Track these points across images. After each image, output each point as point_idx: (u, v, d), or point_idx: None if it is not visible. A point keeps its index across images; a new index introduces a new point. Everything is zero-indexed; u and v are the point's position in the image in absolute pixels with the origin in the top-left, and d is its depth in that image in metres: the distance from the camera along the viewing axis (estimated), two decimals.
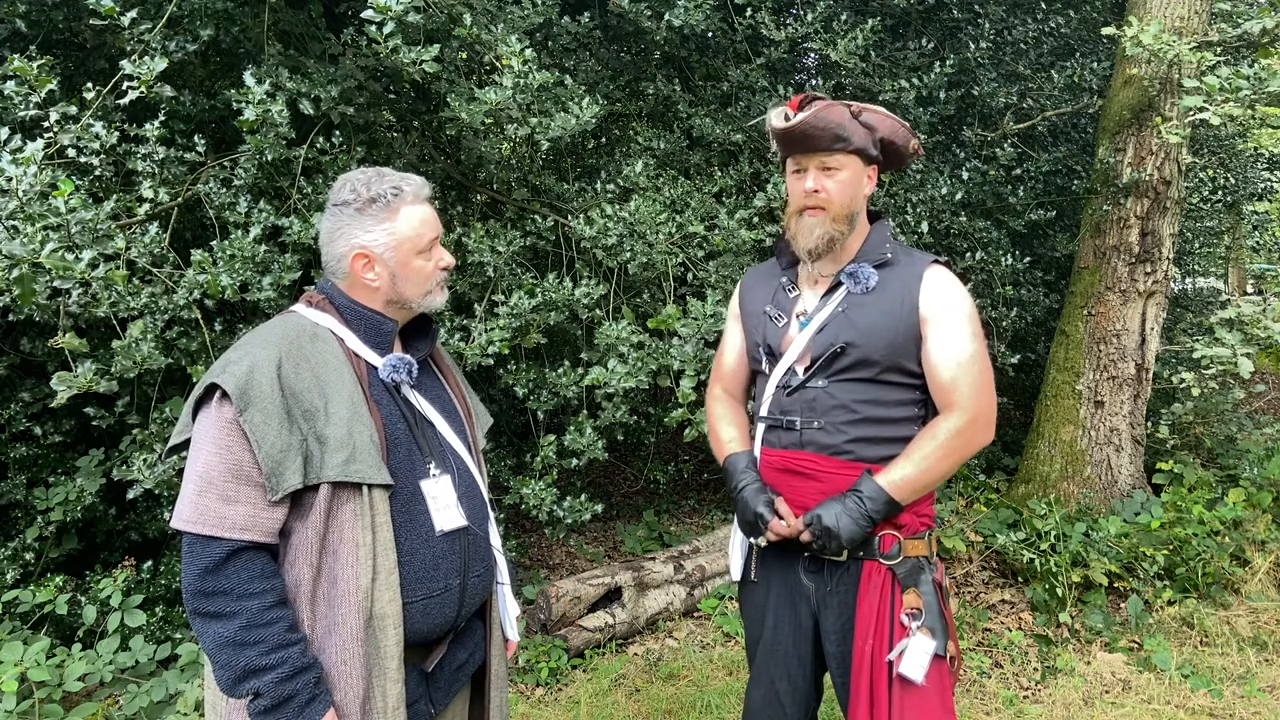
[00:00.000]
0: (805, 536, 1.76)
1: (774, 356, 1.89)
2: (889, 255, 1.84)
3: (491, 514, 1.69)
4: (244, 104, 2.85)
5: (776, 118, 1.79)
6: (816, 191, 1.79)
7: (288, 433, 1.34)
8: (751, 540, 1.91)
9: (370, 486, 1.39)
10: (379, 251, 1.50)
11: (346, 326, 1.52)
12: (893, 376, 1.78)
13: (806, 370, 1.82)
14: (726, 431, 2.02)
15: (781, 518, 1.80)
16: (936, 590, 1.75)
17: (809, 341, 1.82)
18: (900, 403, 1.80)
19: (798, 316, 1.88)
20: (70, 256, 2.52)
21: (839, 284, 1.84)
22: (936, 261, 1.83)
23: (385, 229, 1.49)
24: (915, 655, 1.68)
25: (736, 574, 2.00)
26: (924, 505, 1.82)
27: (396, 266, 1.51)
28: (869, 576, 1.77)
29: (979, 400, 1.74)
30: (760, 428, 1.92)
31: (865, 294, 1.80)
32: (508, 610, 1.72)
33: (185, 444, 1.40)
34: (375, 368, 1.51)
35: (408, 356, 1.54)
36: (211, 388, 1.36)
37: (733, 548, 2.01)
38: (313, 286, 1.61)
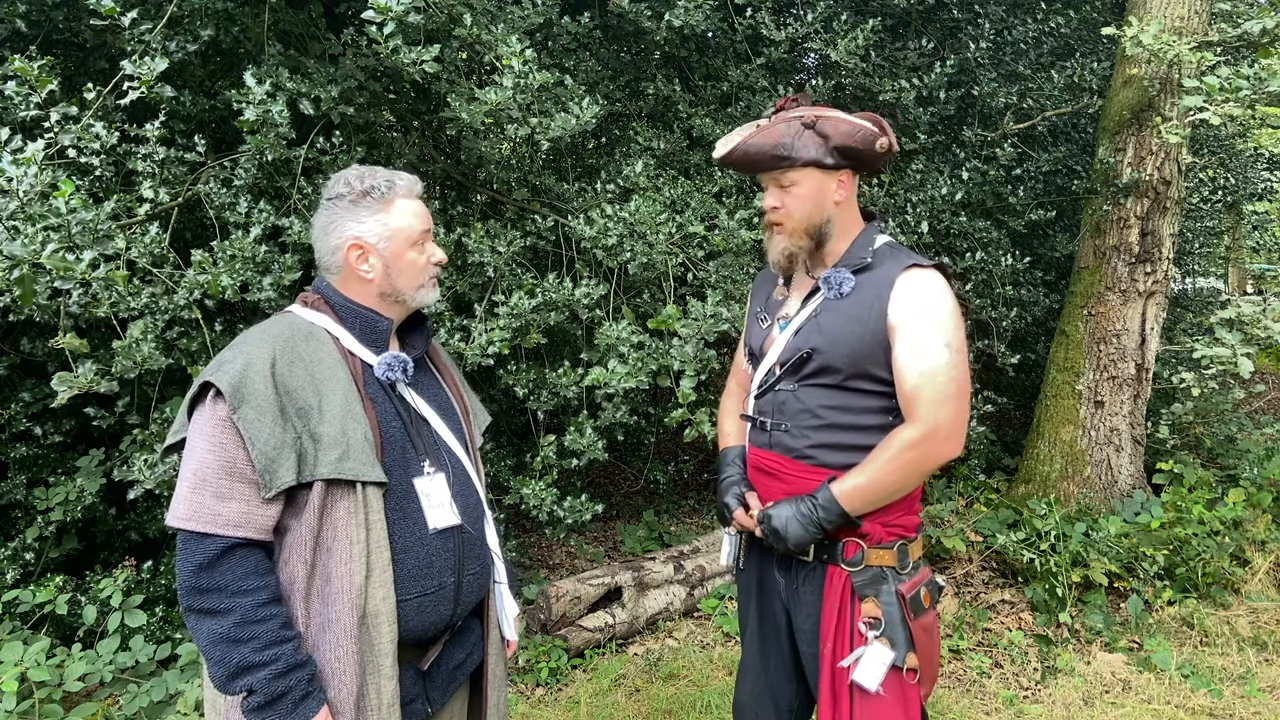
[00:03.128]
0: (758, 533, 1.80)
1: (756, 358, 1.94)
2: (869, 260, 1.81)
3: (489, 513, 1.69)
4: (244, 104, 2.85)
5: (719, 147, 1.83)
6: (776, 208, 1.81)
7: (281, 430, 1.34)
8: (726, 530, 1.99)
9: (364, 484, 1.39)
10: (373, 242, 1.51)
11: (341, 325, 1.52)
12: (860, 383, 1.76)
13: (779, 373, 1.85)
14: (727, 425, 2.08)
15: (749, 510, 1.87)
16: (900, 602, 1.72)
17: (785, 345, 1.85)
18: (869, 410, 1.77)
19: (779, 319, 1.91)
20: (71, 257, 2.52)
21: (819, 288, 1.84)
22: (918, 266, 1.76)
23: (379, 219, 1.52)
24: (870, 664, 1.67)
25: (725, 562, 2.04)
26: (893, 515, 1.78)
27: (390, 258, 1.53)
28: (831, 581, 1.77)
29: (939, 412, 1.67)
30: (746, 426, 1.97)
31: (839, 299, 1.79)
32: (505, 610, 1.72)
33: (182, 443, 1.41)
34: (371, 366, 1.52)
35: (403, 354, 1.55)
36: (205, 386, 1.37)
37: (725, 536, 2.06)
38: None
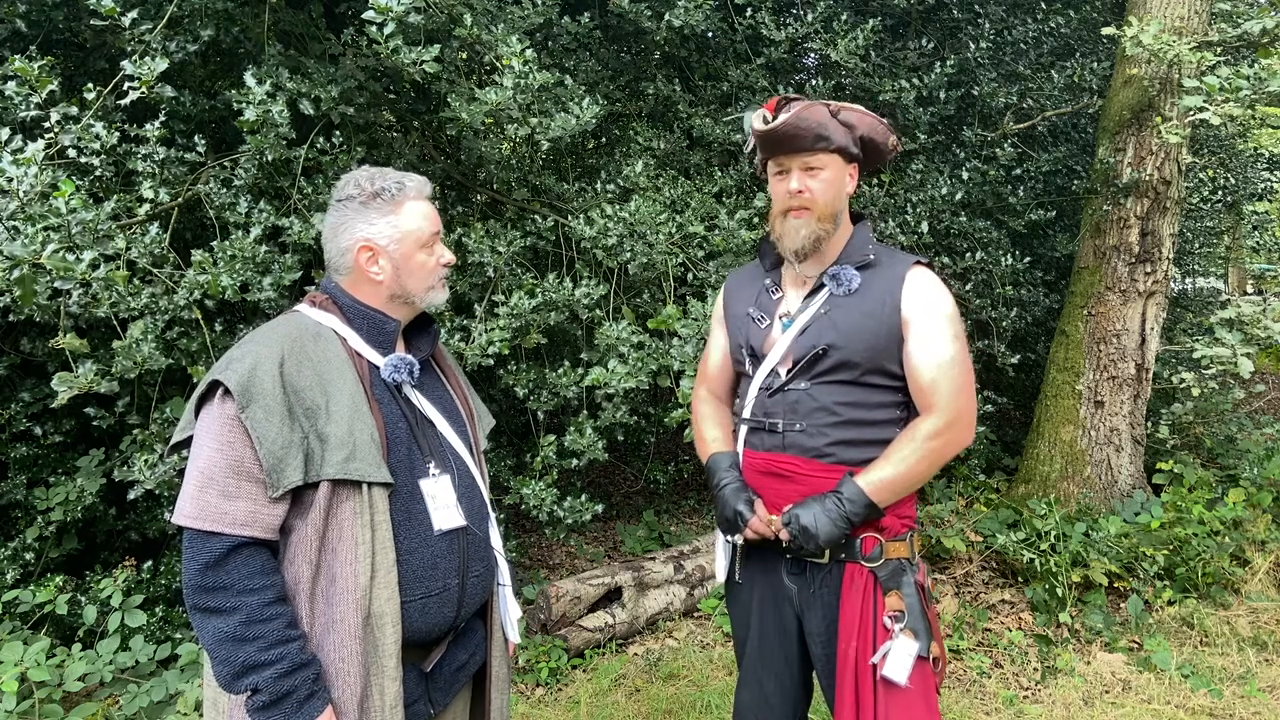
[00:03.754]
0: (784, 536, 1.77)
1: (756, 358, 1.90)
2: (871, 256, 1.84)
3: (492, 515, 1.69)
4: (244, 104, 2.85)
5: (757, 120, 1.79)
6: (801, 192, 1.79)
7: (289, 430, 1.34)
8: (729, 539, 1.93)
9: (370, 485, 1.40)
10: (383, 244, 1.52)
11: (349, 326, 1.53)
12: (874, 379, 1.78)
13: (789, 372, 1.83)
14: (710, 431, 2.02)
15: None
16: (919, 592, 1.76)
17: (791, 343, 1.83)
18: (882, 405, 1.80)
19: (780, 318, 1.89)
20: (71, 257, 2.52)
21: (822, 285, 1.84)
22: (919, 263, 1.83)
23: (389, 221, 1.52)
24: (898, 657, 1.68)
25: (721, 575, 2.01)
26: (905, 507, 1.82)
27: (400, 259, 1.53)
28: (851, 579, 1.77)
29: (958, 402, 1.74)
30: (743, 430, 1.92)
31: (847, 296, 1.80)
32: (509, 612, 1.72)
33: (187, 441, 1.41)
34: (377, 367, 1.52)
35: (409, 356, 1.55)
36: (214, 384, 1.37)
37: (717, 549, 2.02)
38: (314, 287, 1.62)
